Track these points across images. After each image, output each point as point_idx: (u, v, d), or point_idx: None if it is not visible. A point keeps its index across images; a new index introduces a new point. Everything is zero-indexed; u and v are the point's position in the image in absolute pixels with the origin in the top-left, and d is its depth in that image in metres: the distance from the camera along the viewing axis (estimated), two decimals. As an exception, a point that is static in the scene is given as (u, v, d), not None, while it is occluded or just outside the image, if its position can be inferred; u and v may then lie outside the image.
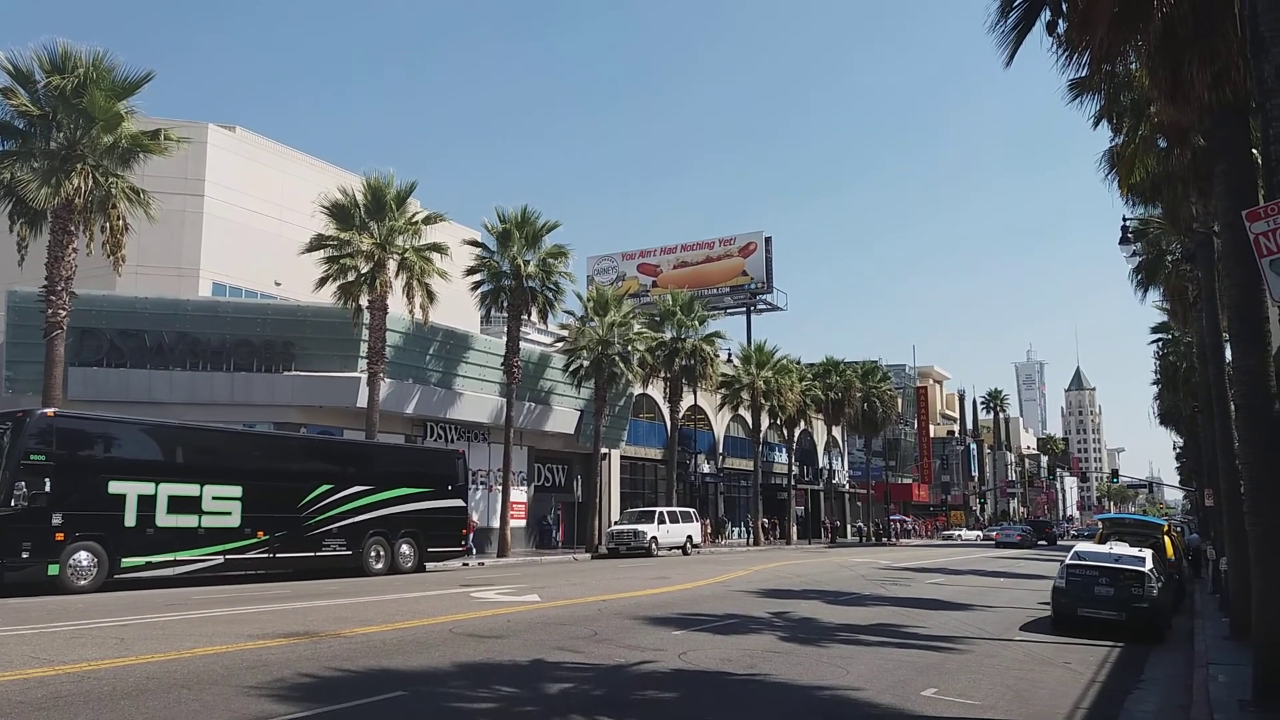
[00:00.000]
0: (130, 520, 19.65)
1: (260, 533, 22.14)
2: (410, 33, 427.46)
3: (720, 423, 57.91)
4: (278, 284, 36.06)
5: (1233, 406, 13.54)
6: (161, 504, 20.26)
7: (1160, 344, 50.84)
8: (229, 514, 21.60)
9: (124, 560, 19.43)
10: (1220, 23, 10.03)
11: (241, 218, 35.80)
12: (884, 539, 70.76)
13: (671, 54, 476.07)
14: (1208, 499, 30.90)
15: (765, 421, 56.03)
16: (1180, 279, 25.75)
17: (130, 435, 20.89)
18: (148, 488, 20.09)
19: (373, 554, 24.82)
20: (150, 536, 19.94)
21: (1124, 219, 21.44)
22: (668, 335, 46.25)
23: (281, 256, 35.06)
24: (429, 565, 27.03)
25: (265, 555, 22.30)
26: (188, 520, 20.75)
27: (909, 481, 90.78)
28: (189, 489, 20.91)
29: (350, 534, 24.26)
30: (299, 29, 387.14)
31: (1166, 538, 24.42)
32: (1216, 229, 13.46)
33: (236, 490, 21.81)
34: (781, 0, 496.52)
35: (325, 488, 23.90)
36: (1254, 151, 11.57)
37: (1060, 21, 11.47)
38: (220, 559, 21.28)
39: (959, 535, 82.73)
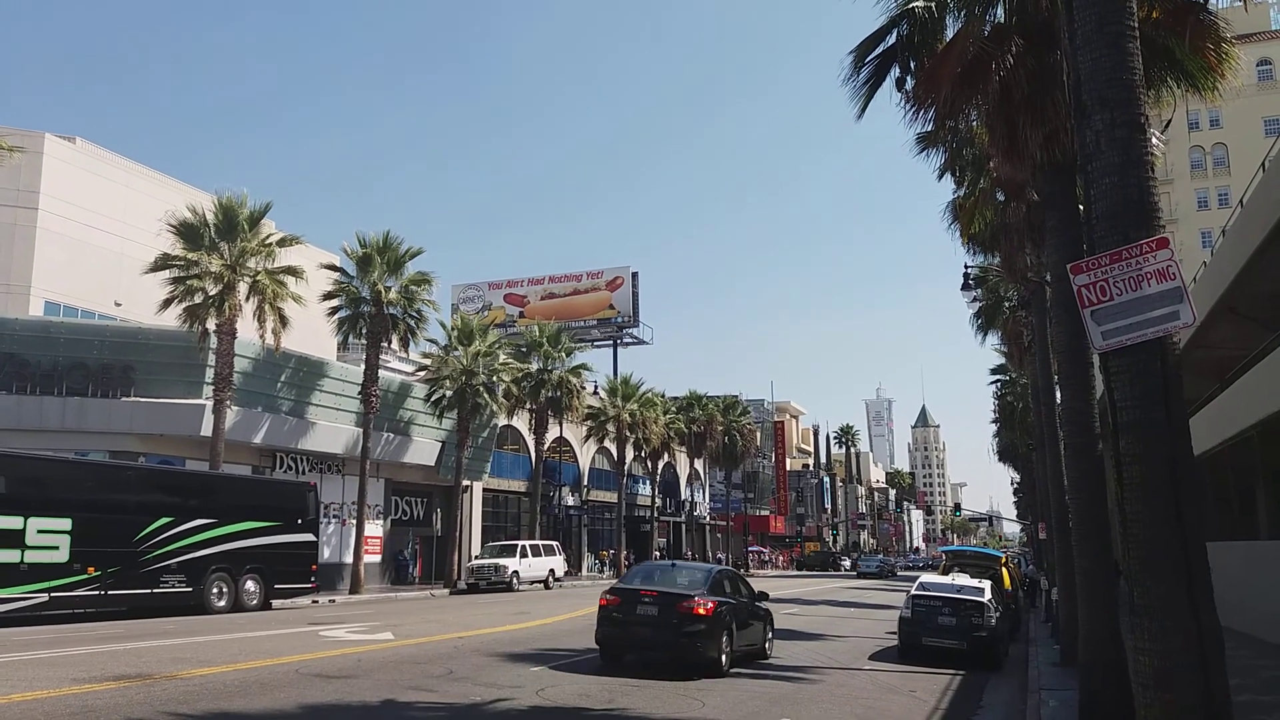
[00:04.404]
0: (-60, 556, 18.09)
1: (91, 569, 20.72)
2: (277, 60, 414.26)
3: (585, 455, 57.90)
4: (118, 304, 34.15)
5: (1062, 445, 14.45)
6: (-22, 538, 18.73)
7: (999, 385, 54.08)
8: (56, 548, 20.14)
9: (-69, 600, 17.86)
10: (1050, 88, 10.83)
11: (80, 233, 33.80)
12: (742, 570, 71.98)
13: (532, 93, 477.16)
14: (1041, 532, 32.82)
15: (630, 454, 56.30)
16: (1016, 324, 27.47)
17: (-57, 464, 19.29)
18: (-38, 521, 18.56)
19: (215, 591, 23.60)
20: (-37, 574, 18.39)
21: (966, 266, 22.77)
22: (534, 366, 46.04)
23: (123, 276, 33.25)
24: (276, 603, 25.87)
25: (96, 593, 20.87)
26: (8, 555, 19.23)
27: (766, 513, 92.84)
28: (10, 521, 19.41)
29: (191, 570, 22.99)
30: (160, 47, 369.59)
31: (1004, 569, 25.79)
32: (1048, 279, 14.41)
33: (65, 523, 20.38)
34: (642, 47, 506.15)
35: (164, 521, 22.59)
36: (1081, 208, 12.48)
37: (909, 79, 12.15)
38: (45, 597, 19.78)
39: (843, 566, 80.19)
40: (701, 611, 14.11)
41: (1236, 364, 19.38)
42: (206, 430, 28.83)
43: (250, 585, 24.68)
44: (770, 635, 17.25)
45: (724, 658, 14.32)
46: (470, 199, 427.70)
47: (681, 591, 14.71)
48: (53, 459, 22.36)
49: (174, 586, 22.60)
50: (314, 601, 28.07)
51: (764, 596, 17.45)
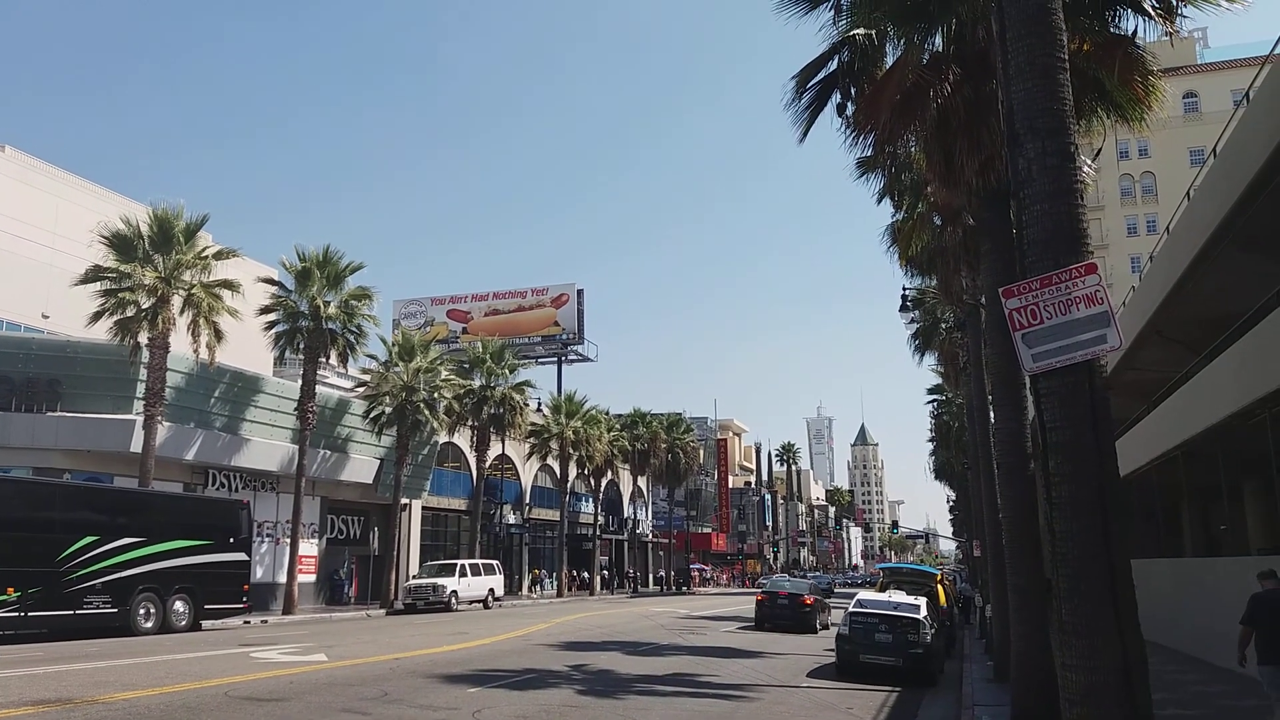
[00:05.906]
0: None
1: (10, 589, 19.97)
2: (223, 73, 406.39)
3: (528, 472, 57.46)
4: (45, 317, 33.10)
5: (995, 465, 14.73)
6: (-112, 559, 17.96)
7: (935, 404, 55.01)
8: (-28, 569, 19.40)
9: None
10: (986, 117, 11.09)
11: (6, 243, 32.70)
12: (684, 588, 72.01)
13: (478, 111, 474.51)
14: (976, 550, 33.33)
15: (573, 471, 55.99)
16: (952, 345, 27.99)
17: None
18: (-128, 540, 17.77)
19: (142, 611, 22.91)
20: (-128, 596, 17.62)
21: (904, 288, 23.15)
22: (477, 383, 45.61)
23: (52, 287, 32.24)
24: (206, 624, 25.22)
25: (15, 614, 20.10)
26: (-80, 577, 18.48)
27: (709, 531, 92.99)
28: (-76, 541, 18.66)
29: (117, 590, 22.29)
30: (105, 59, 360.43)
31: (940, 586, 26.21)
32: (983, 301, 14.71)
33: (-17, 542, 19.65)
34: (589, 67, 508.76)
35: (89, 539, 21.88)
36: (1014, 233, 12.77)
37: (849, 104, 12.36)
38: (-42, 620, 19.03)
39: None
40: (810, 602, 28.87)
41: (1163, 386, 19.97)
42: (136, 446, 28.04)
43: (179, 605, 24.01)
44: (830, 615, 30.10)
45: (818, 625, 28.50)
46: (414, 215, 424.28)
47: (799, 592, 29.63)
48: (-29, 475, 21.59)
49: (99, 607, 21.89)
50: (246, 622, 27.40)
51: (830, 594, 32.54)
